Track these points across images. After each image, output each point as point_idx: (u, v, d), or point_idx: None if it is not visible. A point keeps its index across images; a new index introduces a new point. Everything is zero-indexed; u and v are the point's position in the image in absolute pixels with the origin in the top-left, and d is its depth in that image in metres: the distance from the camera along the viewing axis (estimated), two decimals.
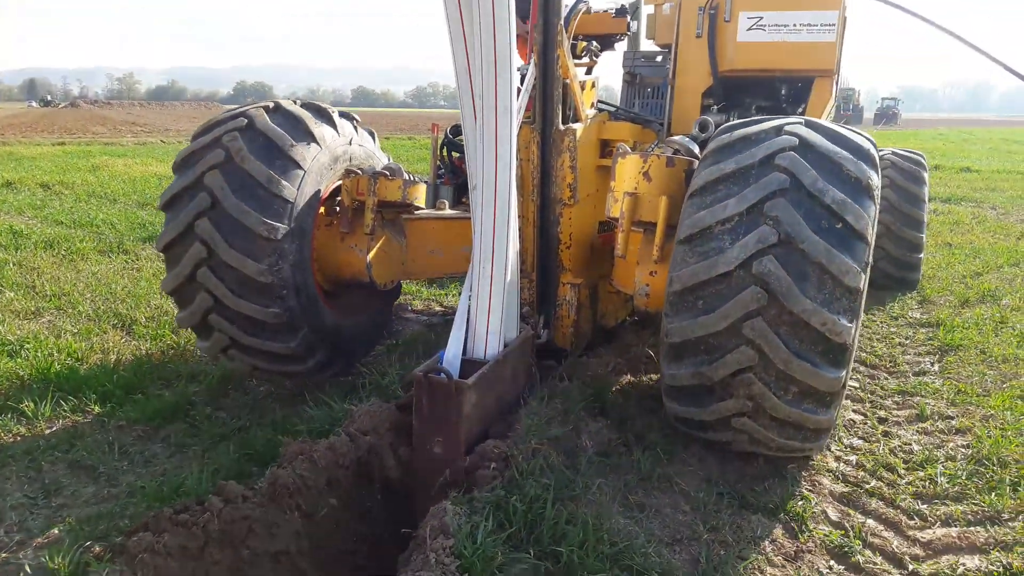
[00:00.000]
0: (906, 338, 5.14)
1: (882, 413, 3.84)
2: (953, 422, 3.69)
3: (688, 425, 3.04)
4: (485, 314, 2.99)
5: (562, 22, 3.42)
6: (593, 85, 4.15)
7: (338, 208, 3.90)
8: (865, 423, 3.70)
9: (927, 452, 3.37)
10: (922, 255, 6.35)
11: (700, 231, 2.80)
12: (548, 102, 3.42)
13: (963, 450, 3.38)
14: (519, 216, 3.38)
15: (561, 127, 3.52)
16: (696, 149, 3.57)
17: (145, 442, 3.49)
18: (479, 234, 2.98)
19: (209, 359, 4.08)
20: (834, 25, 4.66)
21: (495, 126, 2.83)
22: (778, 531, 2.68)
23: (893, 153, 6.53)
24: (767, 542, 2.60)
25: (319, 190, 3.67)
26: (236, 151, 3.40)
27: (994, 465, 3.19)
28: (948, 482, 3.09)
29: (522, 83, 3.40)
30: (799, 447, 2.92)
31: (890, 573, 2.51)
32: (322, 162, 3.68)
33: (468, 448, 2.73)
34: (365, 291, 4.00)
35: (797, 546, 2.61)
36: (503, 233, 2.96)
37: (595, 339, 4.10)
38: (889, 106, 76.99)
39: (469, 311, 3.03)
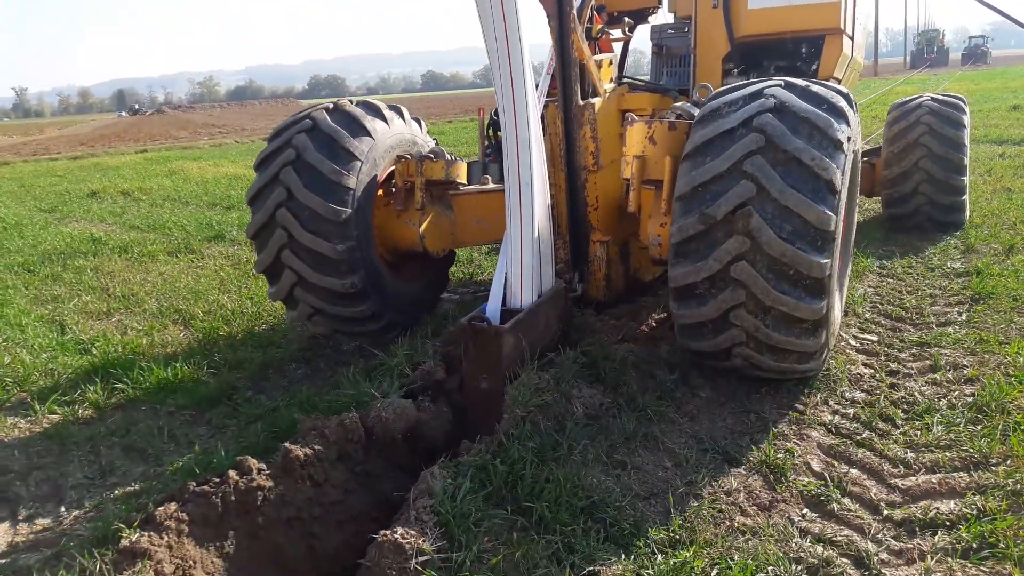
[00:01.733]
0: (939, 288, 5.06)
1: (894, 366, 3.85)
2: (965, 371, 3.67)
3: (701, 356, 3.45)
4: (518, 270, 3.48)
5: (575, 11, 3.81)
6: (611, 63, 4.59)
7: (393, 189, 4.53)
8: (873, 376, 3.72)
9: (930, 402, 3.38)
10: (965, 197, 6.41)
11: (693, 188, 3.19)
12: (567, 82, 3.81)
13: (968, 399, 3.37)
14: (552, 184, 3.82)
15: (580, 102, 3.89)
16: (696, 113, 3.76)
17: (191, 425, 3.85)
18: (511, 200, 3.44)
19: (298, 328, 4.76)
20: None
21: (513, 105, 3.32)
22: (756, 483, 2.79)
23: (932, 99, 6.56)
24: (743, 494, 2.72)
25: (376, 175, 4.31)
26: (304, 149, 4.08)
27: (993, 412, 3.18)
28: (944, 431, 3.11)
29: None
30: (796, 368, 3.33)
31: (862, 519, 2.59)
32: (376, 151, 4.32)
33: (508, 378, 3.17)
34: (421, 259, 4.64)
35: (773, 496, 2.72)
36: (529, 197, 3.41)
37: (633, 292, 4.52)
38: (978, 44, 72.55)
39: (507, 268, 3.51)
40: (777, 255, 3.05)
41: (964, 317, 4.46)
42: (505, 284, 3.52)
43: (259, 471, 2.84)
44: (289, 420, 3.50)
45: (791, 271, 3.06)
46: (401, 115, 4.69)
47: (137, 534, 2.47)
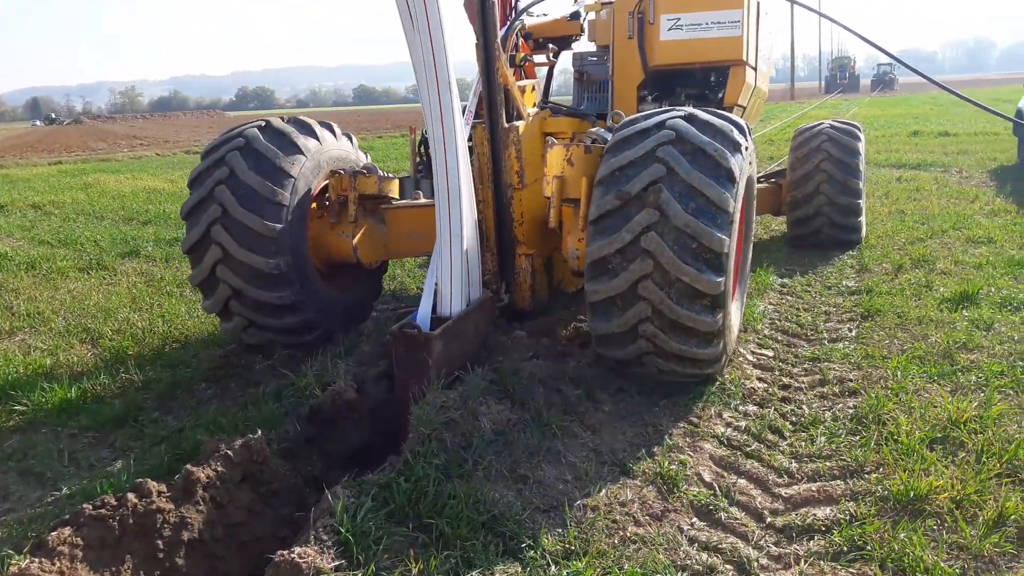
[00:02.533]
0: (833, 306, 5.36)
1: (786, 380, 4.07)
2: (850, 385, 3.92)
3: (610, 345, 3.67)
4: (448, 280, 3.72)
5: (499, 40, 4.06)
6: (534, 88, 4.97)
7: (327, 203, 4.70)
8: (766, 390, 3.93)
9: (815, 414, 3.60)
10: (861, 219, 6.95)
11: (603, 213, 3.52)
12: (493, 106, 4.05)
13: (850, 411, 3.60)
14: (480, 200, 4.13)
15: (505, 125, 4.14)
16: (609, 138, 4.01)
17: (94, 448, 3.77)
18: (440, 214, 3.70)
19: (229, 339, 4.80)
20: (739, 22, 5.46)
21: (442, 126, 3.59)
22: (650, 493, 2.92)
23: (831, 126, 7.08)
24: (637, 504, 2.84)
25: (309, 189, 4.47)
26: (238, 167, 4.22)
27: (870, 424, 3.41)
28: (826, 441, 3.32)
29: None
30: (697, 355, 3.54)
31: (747, 526, 2.75)
32: (309, 167, 4.48)
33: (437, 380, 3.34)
34: (354, 270, 4.84)
35: (665, 507, 2.85)
36: (458, 213, 3.68)
37: (556, 302, 4.79)
38: (886, 72, 76.68)
39: (437, 278, 3.75)
40: (674, 275, 3.38)
41: (854, 333, 4.74)
42: (435, 293, 3.75)
43: (159, 493, 2.81)
44: (194, 442, 3.47)
45: (688, 289, 3.42)
46: (332, 131, 4.87)
47: (27, 560, 2.42)
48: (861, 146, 6.94)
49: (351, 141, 5.04)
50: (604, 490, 2.92)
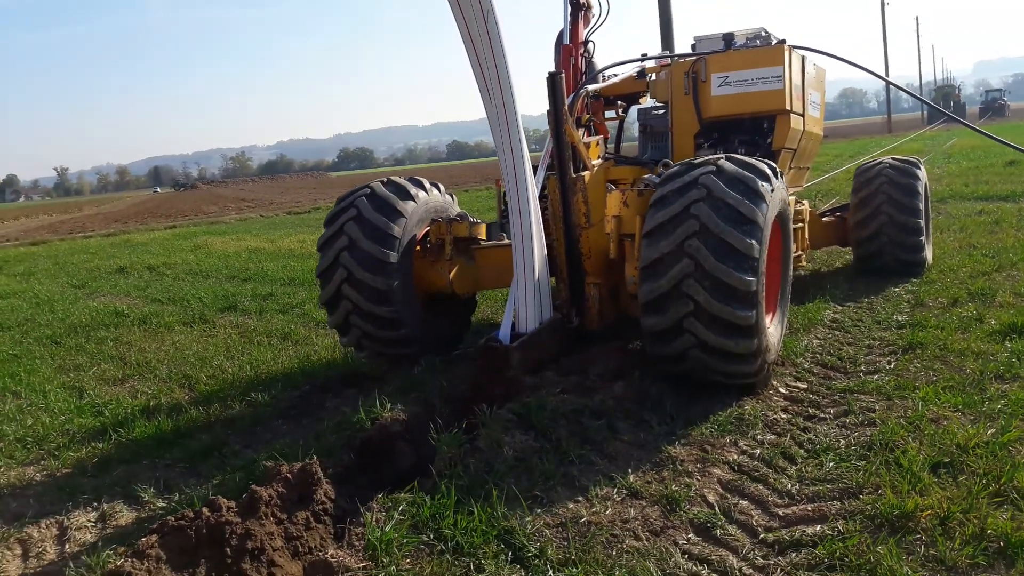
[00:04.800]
0: (878, 340, 5.44)
1: (812, 411, 4.24)
2: (873, 415, 4.05)
3: (658, 350, 4.40)
4: (524, 303, 4.60)
5: (566, 107, 4.86)
6: (598, 143, 5.80)
7: (428, 244, 5.69)
8: (789, 421, 4.11)
9: (830, 442, 3.77)
10: (924, 253, 7.42)
11: (651, 262, 4.26)
12: (562, 160, 4.84)
13: (864, 439, 3.75)
14: (553, 239, 4.97)
15: (573, 175, 4.89)
16: (657, 182, 4.75)
17: (184, 476, 4.33)
18: (516, 250, 4.58)
19: (347, 350, 5.86)
20: (781, 76, 6.10)
21: (516, 182, 4.48)
22: (654, 512, 3.19)
23: (889, 166, 7.66)
24: (639, 521, 3.12)
25: (415, 234, 5.49)
26: (364, 209, 5.28)
27: (879, 450, 3.57)
28: (835, 467, 3.50)
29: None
30: (734, 348, 4.13)
31: (739, 541, 2.98)
32: (417, 214, 5.50)
33: (517, 390, 4.20)
34: (450, 300, 5.78)
35: (665, 524, 3.11)
36: (531, 249, 4.56)
37: (624, 324, 5.35)
38: (995, 98, 73.35)
39: (515, 302, 4.64)
40: (714, 312, 4.09)
41: (892, 366, 4.84)
42: (514, 314, 4.64)
43: (228, 508, 3.30)
44: (265, 468, 3.96)
45: (723, 322, 4.11)
46: (437, 187, 5.90)
47: (122, 560, 2.94)
48: (920, 184, 7.42)
49: (452, 197, 6.09)
50: (610, 509, 3.21)
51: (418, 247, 5.59)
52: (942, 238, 8.97)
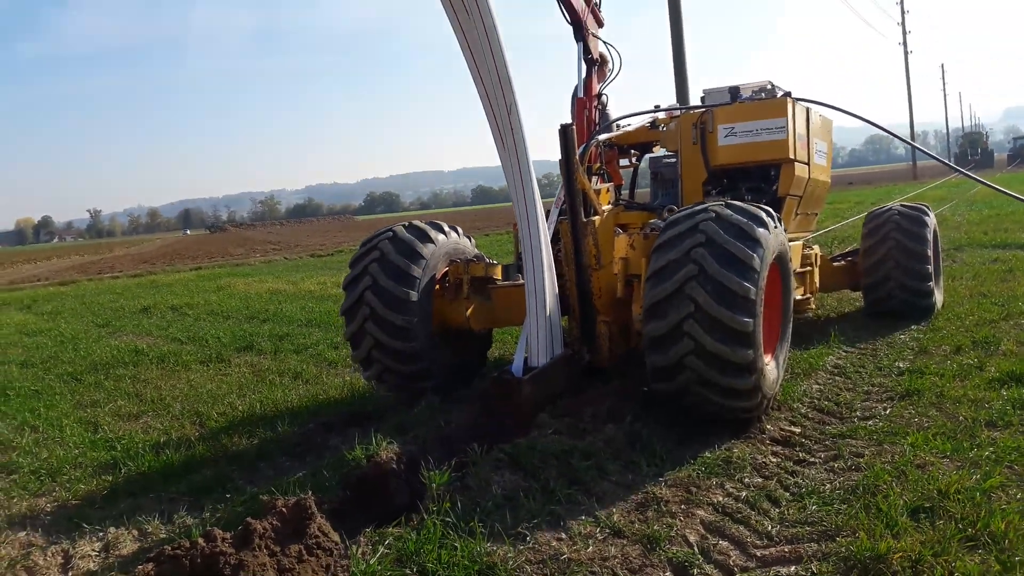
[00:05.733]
0: (878, 386, 5.47)
1: (803, 455, 4.28)
2: (862, 460, 4.09)
3: (660, 386, 4.62)
4: (535, 338, 4.87)
5: (577, 157, 5.19)
6: (608, 190, 6.17)
7: (448, 283, 6.03)
8: (779, 464, 4.16)
9: (815, 486, 3.81)
10: (931, 283, 7.54)
11: (654, 303, 4.50)
12: (573, 206, 5.14)
13: (850, 483, 3.79)
14: (566, 279, 5.23)
15: (584, 220, 5.16)
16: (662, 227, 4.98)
17: (188, 509, 4.46)
18: (528, 289, 4.86)
19: (370, 384, 6.08)
20: (784, 127, 6.34)
21: (527, 220, 4.77)
22: (634, 551, 3.25)
23: (898, 212, 7.83)
24: (618, 559, 3.17)
25: (435, 274, 5.82)
26: (386, 251, 5.64)
27: (862, 494, 3.60)
28: (817, 510, 3.54)
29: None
30: (732, 385, 4.36)
31: None
32: (437, 255, 5.83)
33: (529, 419, 4.48)
34: (466, 336, 6.09)
35: (644, 562, 3.17)
36: (542, 289, 4.83)
37: (634, 359, 5.47)
38: (1023, 145, 72.82)
39: (527, 338, 4.89)
40: (710, 347, 4.30)
41: (888, 412, 4.87)
42: (527, 349, 4.90)
43: (223, 539, 3.42)
44: (261, 502, 4.08)
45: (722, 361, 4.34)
46: (456, 231, 6.25)
47: None
48: (928, 230, 7.59)
49: (470, 240, 6.44)
50: (592, 547, 3.28)
51: (437, 286, 5.91)
52: (954, 285, 8.97)
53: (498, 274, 6.14)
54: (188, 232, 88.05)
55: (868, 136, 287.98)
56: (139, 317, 13.50)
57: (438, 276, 5.90)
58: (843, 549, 3.11)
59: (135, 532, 4.17)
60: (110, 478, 4.95)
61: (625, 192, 7.64)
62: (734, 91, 6.85)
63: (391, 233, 5.83)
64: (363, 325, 5.58)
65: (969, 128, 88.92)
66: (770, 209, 4.94)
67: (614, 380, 5.33)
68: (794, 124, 6.46)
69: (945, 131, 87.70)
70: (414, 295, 5.53)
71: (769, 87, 6.91)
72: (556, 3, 6.27)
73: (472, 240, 6.49)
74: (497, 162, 4.83)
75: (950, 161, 66.58)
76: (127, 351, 9.65)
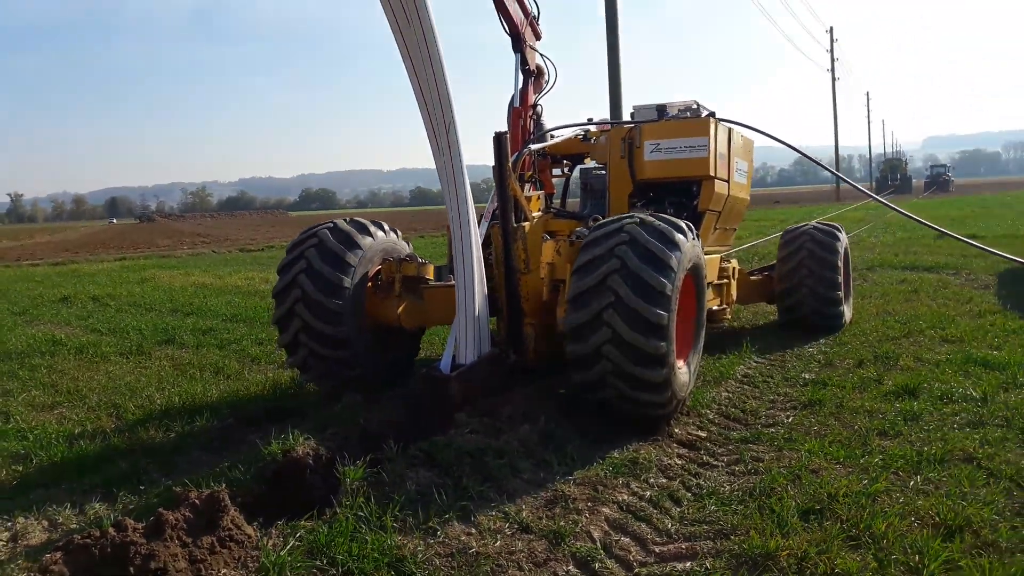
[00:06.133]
0: (783, 395, 5.77)
1: (707, 458, 4.50)
2: (761, 464, 4.33)
3: (579, 376, 4.87)
4: (463, 338, 5.07)
5: (510, 165, 5.36)
6: (539, 198, 6.43)
7: (380, 281, 6.17)
8: (683, 467, 4.37)
9: (716, 487, 4.02)
10: (842, 307, 8.04)
11: (578, 294, 4.77)
12: (505, 212, 5.30)
13: (748, 486, 4.02)
14: (496, 283, 5.40)
15: (514, 225, 5.32)
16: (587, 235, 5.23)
17: (101, 500, 4.38)
18: (458, 289, 5.04)
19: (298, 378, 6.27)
20: (706, 146, 6.64)
21: (459, 223, 4.92)
22: (540, 546, 3.38)
23: (814, 227, 8.35)
24: (524, 553, 3.30)
25: (367, 272, 5.97)
26: (325, 238, 5.80)
27: (758, 495, 3.83)
28: (715, 510, 3.74)
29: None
30: (646, 376, 4.61)
31: (612, 571, 3.19)
32: (373, 250, 6.03)
33: (454, 415, 4.62)
34: (397, 334, 6.25)
35: (549, 556, 3.30)
36: (472, 290, 5.02)
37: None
38: (939, 173, 76.80)
39: (456, 336, 5.08)
40: (628, 339, 4.58)
41: (790, 420, 5.14)
42: (455, 348, 5.07)
43: (134, 530, 3.42)
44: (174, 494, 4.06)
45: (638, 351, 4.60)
46: (394, 231, 6.45)
47: (24, 574, 3.04)
48: (839, 245, 8.07)
49: (397, 235, 6.54)
50: (500, 541, 3.40)
51: (370, 283, 6.06)
52: (862, 304, 9.45)
53: (430, 274, 6.28)
54: (114, 221, 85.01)
55: (797, 157, 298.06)
56: (58, 306, 13.04)
57: (371, 272, 6.04)
58: (736, 547, 3.31)
59: (45, 522, 4.09)
60: (21, 468, 4.84)
61: (557, 201, 7.90)
62: (661, 109, 7.16)
63: (331, 224, 6.02)
64: (293, 307, 5.70)
65: (891, 154, 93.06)
66: (689, 223, 5.30)
67: (533, 382, 5.47)
68: (715, 143, 6.78)
69: (868, 156, 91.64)
70: (347, 281, 5.69)
71: (695, 106, 7.23)
72: (496, 13, 6.42)
73: (411, 244, 6.61)
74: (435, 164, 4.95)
75: (872, 185, 69.71)
76: (44, 340, 9.33)
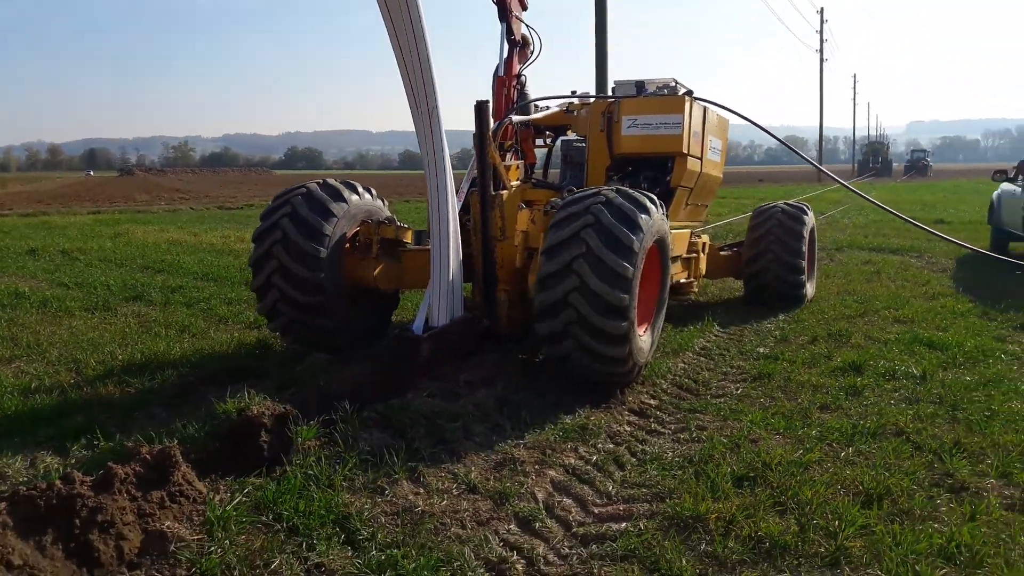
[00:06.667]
0: (736, 368, 5.91)
1: (655, 426, 4.63)
2: (705, 432, 4.46)
3: (549, 350, 5.06)
4: (437, 301, 5.25)
5: (490, 134, 5.46)
6: (518, 167, 6.49)
7: (358, 242, 6.20)
8: (632, 433, 4.49)
9: (659, 453, 4.15)
10: (803, 278, 8.23)
11: (545, 276, 4.90)
12: (484, 179, 5.40)
13: (690, 453, 4.15)
14: (472, 249, 5.51)
15: (492, 193, 5.41)
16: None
17: (54, 455, 4.44)
18: (433, 254, 5.21)
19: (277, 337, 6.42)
20: (680, 123, 6.77)
21: (438, 194, 5.14)
22: (484, 505, 3.49)
23: (782, 207, 8.53)
24: (469, 513, 3.41)
25: (345, 232, 6.02)
26: (298, 206, 5.79)
27: (697, 462, 3.96)
28: (656, 474, 3.87)
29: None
30: (608, 352, 4.82)
31: (553, 533, 3.30)
32: (349, 214, 6.03)
33: (426, 375, 4.83)
34: (373, 296, 6.34)
35: (492, 515, 3.41)
36: (447, 255, 5.18)
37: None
38: (919, 158, 77.64)
39: (429, 299, 5.25)
40: (590, 313, 4.76)
41: (739, 391, 5.29)
42: (428, 310, 5.24)
43: (82, 482, 3.47)
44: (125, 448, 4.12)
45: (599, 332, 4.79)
46: (369, 192, 6.45)
47: None
48: (805, 228, 8.27)
49: (382, 201, 6.62)
50: (446, 501, 3.50)
51: (348, 244, 6.11)
52: (826, 283, 9.62)
53: (408, 238, 6.37)
54: (92, 173, 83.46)
55: (784, 136, 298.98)
56: (25, 259, 12.89)
57: (349, 235, 6.11)
58: (669, 509, 3.44)
59: None
60: None
61: (540, 170, 8.01)
62: (640, 85, 7.28)
63: (305, 189, 6.00)
64: (269, 277, 5.77)
65: (874, 138, 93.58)
66: (654, 197, 5.45)
67: (497, 350, 5.56)
68: (690, 121, 6.92)
69: (853, 138, 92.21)
70: (323, 251, 5.72)
71: (673, 84, 7.34)
72: None
73: (385, 202, 6.69)
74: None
75: (854, 167, 70.18)
76: (7, 293, 9.26)
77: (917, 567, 2.96)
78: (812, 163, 10.04)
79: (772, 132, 8.82)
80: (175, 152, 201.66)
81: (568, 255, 4.82)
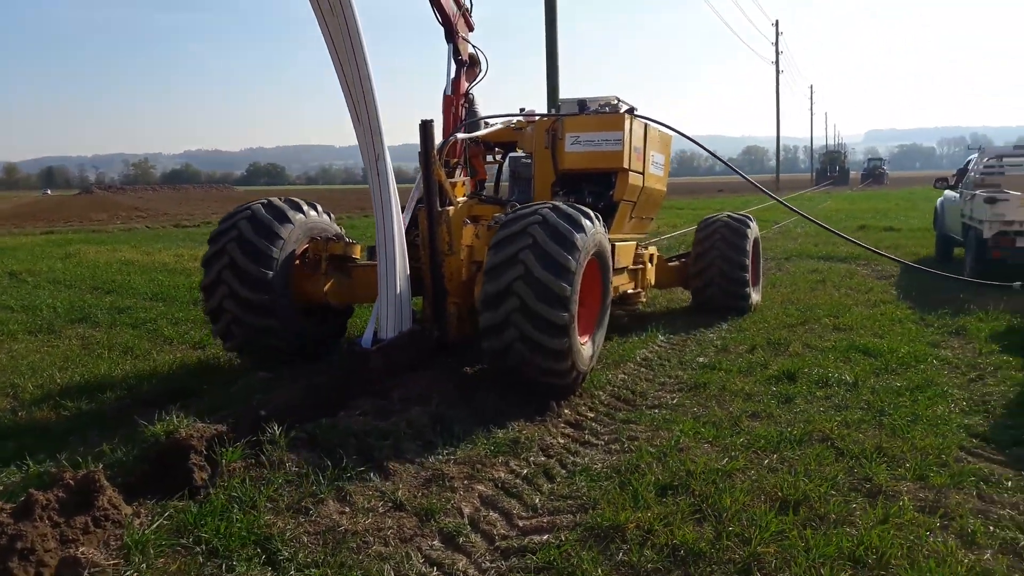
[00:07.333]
0: (674, 378, 6.01)
1: (588, 437, 4.70)
2: (636, 443, 4.54)
3: (495, 364, 5.26)
4: (385, 314, 5.38)
5: (435, 151, 5.60)
6: (463, 183, 6.68)
7: (307, 259, 6.35)
8: (565, 446, 4.55)
9: (588, 465, 4.22)
10: (748, 289, 8.55)
11: (488, 297, 5.07)
12: (430, 196, 5.55)
13: (618, 463, 4.22)
14: (421, 263, 5.66)
15: (439, 209, 5.55)
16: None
17: None
18: (380, 269, 5.37)
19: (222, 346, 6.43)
20: (620, 139, 6.96)
21: (382, 209, 5.27)
22: (409, 522, 3.51)
23: (727, 218, 8.78)
24: (393, 530, 3.43)
25: (294, 250, 6.19)
26: (244, 229, 5.92)
27: (624, 472, 4.03)
28: (584, 485, 3.94)
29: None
30: (550, 367, 5.03)
31: (476, 547, 3.34)
32: (296, 233, 6.20)
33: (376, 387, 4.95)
34: (324, 311, 6.51)
35: (416, 532, 3.44)
36: (393, 269, 5.34)
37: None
38: (876, 166, 79.44)
39: (377, 313, 5.38)
40: (535, 309, 4.93)
41: (674, 401, 5.39)
42: (376, 323, 5.37)
43: (2, 510, 3.45)
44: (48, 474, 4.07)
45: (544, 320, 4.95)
46: (315, 208, 6.62)
47: None
48: (748, 238, 8.54)
49: (329, 216, 6.77)
50: (371, 519, 3.52)
51: (297, 261, 6.27)
52: (772, 292, 9.82)
53: (357, 253, 6.51)
54: (49, 192, 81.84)
55: (745, 148, 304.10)
56: None
57: (298, 252, 6.26)
58: (591, 520, 3.50)
59: None
60: None
61: (491, 185, 8.17)
62: (582, 103, 7.52)
63: (249, 212, 6.11)
64: (221, 302, 5.94)
65: (832, 147, 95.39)
66: (591, 212, 5.62)
67: (434, 366, 5.60)
68: (630, 137, 7.13)
69: (810, 148, 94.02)
70: (270, 274, 5.86)
71: (615, 102, 7.55)
72: (430, 7, 6.55)
73: (333, 218, 6.85)
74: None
75: (812, 176, 71.26)
76: None
77: (823, 571, 3.06)
78: (742, 175, 10.35)
79: (701, 143, 9.09)
80: (135, 169, 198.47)
81: (507, 277, 5.00)
